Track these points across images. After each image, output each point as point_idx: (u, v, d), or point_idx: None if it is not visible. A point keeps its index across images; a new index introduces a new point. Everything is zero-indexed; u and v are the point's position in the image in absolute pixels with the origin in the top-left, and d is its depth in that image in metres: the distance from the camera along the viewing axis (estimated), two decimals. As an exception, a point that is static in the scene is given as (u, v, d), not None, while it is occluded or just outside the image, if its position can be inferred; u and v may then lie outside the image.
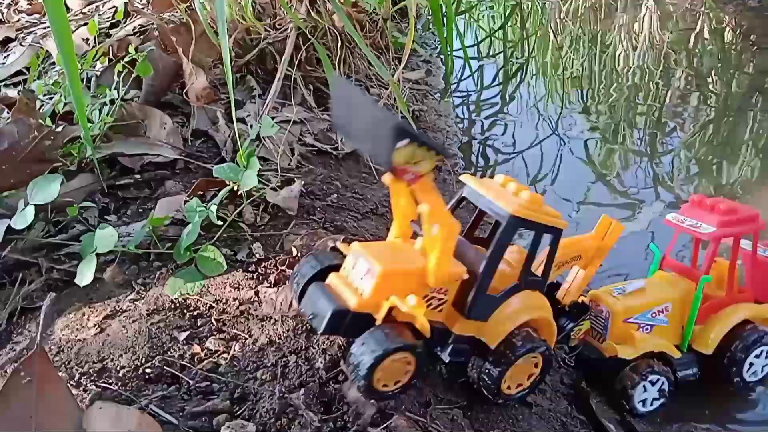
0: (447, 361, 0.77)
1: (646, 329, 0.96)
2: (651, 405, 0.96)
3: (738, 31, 2.83)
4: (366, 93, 0.67)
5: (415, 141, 0.63)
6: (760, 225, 0.99)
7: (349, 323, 0.71)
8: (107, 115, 1.20)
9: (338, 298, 0.73)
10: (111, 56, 1.48)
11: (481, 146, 1.93)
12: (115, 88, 1.25)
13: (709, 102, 2.23)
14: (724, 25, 2.92)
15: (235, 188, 1.08)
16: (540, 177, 1.74)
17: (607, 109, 2.23)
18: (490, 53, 2.88)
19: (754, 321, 1.02)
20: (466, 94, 2.37)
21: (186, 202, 1.04)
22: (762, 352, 1.00)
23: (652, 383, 0.95)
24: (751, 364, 1.00)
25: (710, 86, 2.36)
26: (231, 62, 1.49)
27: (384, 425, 0.74)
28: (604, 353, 0.95)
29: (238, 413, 0.74)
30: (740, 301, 1.02)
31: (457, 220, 0.73)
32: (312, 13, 1.47)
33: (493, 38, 3.08)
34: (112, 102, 1.23)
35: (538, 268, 0.83)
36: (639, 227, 1.44)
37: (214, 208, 1.00)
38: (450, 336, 0.77)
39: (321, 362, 0.80)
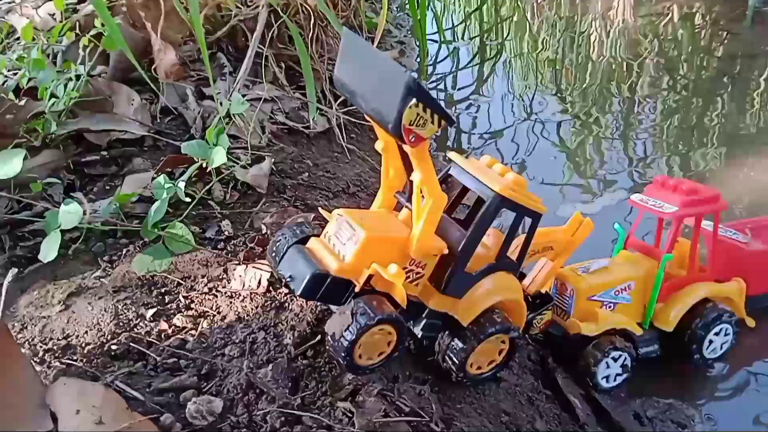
0: (420, 335, 0.78)
1: (609, 307, 0.98)
2: (615, 380, 0.98)
3: (708, 17, 2.86)
4: (376, 48, 0.65)
5: (423, 101, 0.61)
6: (721, 205, 1.01)
7: (328, 288, 0.70)
8: (72, 90, 1.17)
9: (319, 262, 0.72)
10: (78, 31, 1.45)
11: (455, 127, 1.93)
12: (81, 63, 1.22)
13: (679, 87, 2.26)
14: (694, 10, 2.95)
15: (204, 165, 1.06)
16: (513, 158, 1.75)
17: (580, 93, 2.25)
18: (465, 36, 2.88)
19: (714, 299, 1.04)
20: (441, 75, 2.37)
21: (154, 178, 1.02)
22: (721, 329, 1.03)
23: (615, 359, 0.97)
24: (710, 342, 1.03)
25: (681, 71, 2.39)
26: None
27: (352, 400, 0.74)
28: (568, 330, 0.96)
29: (205, 389, 0.74)
30: (701, 280, 1.04)
31: (445, 194, 0.72)
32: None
33: (468, 21, 3.07)
34: (78, 77, 1.20)
35: (512, 252, 0.83)
36: (591, 210, 1.46)
37: (182, 184, 0.99)
38: (425, 310, 0.77)
39: (289, 338, 0.80)
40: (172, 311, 0.85)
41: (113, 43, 1.20)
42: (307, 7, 1.50)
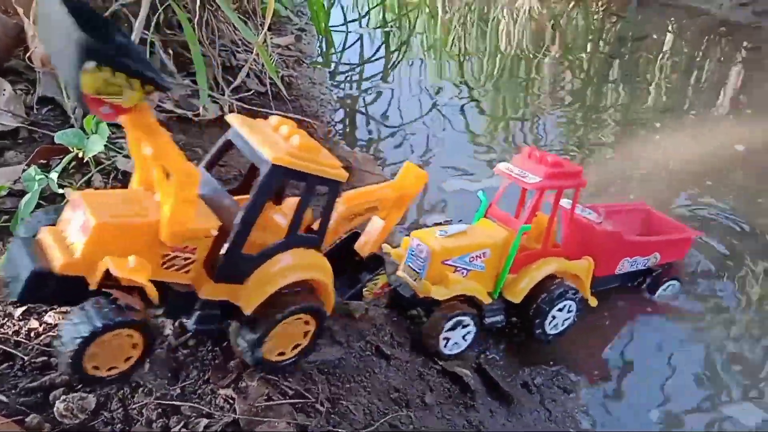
0: (193, 330, 0.68)
1: (463, 273, 0.97)
2: (466, 340, 0.97)
3: (599, 2, 2.99)
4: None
5: (110, 64, 0.50)
6: (581, 181, 1.04)
7: (55, 289, 0.59)
8: (-67, 80, 1.09)
9: (43, 257, 0.59)
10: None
11: (360, 114, 1.93)
12: (-57, 51, 1.14)
13: (575, 70, 2.35)
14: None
15: (81, 155, 1.01)
16: (420, 142, 1.76)
17: (486, 81, 2.30)
18: (369, 25, 2.88)
19: (562, 276, 1.05)
20: (347, 65, 2.36)
21: (24, 170, 0.96)
22: (565, 306, 1.04)
23: (454, 327, 0.95)
24: (553, 317, 1.04)
25: (576, 56, 2.49)
26: (81, 25, 1.40)
27: (234, 386, 0.73)
28: (417, 292, 0.94)
29: (77, 387, 0.70)
30: (553, 255, 1.05)
31: (195, 166, 0.62)
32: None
33: (376, 11, 3.07)
34: (-60, 67, 1.12)
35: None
36: (474, 187, 1.49)
37: (54, 175, 0.93)
38: (197, 301, 0.67)
39: (169, 329, 0.78)
40: (43, 308, 0.81)
41: (-24, 29, 1.12)
42: (195, -10, 1.45)
